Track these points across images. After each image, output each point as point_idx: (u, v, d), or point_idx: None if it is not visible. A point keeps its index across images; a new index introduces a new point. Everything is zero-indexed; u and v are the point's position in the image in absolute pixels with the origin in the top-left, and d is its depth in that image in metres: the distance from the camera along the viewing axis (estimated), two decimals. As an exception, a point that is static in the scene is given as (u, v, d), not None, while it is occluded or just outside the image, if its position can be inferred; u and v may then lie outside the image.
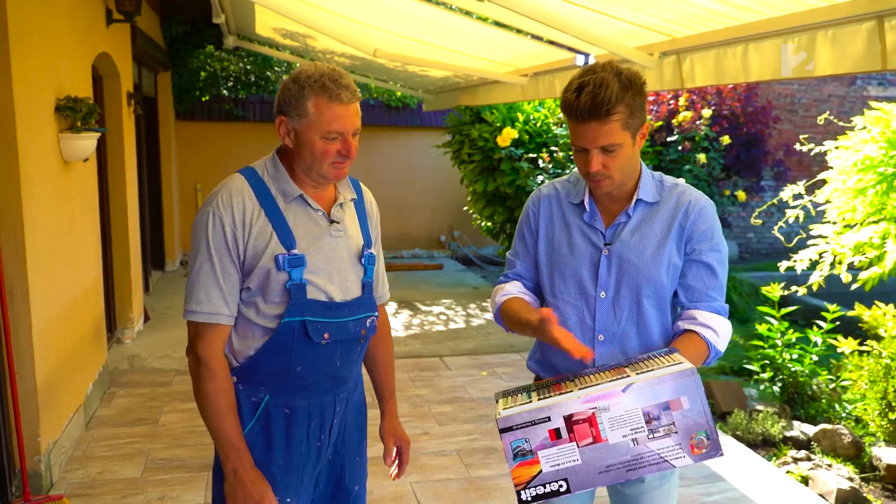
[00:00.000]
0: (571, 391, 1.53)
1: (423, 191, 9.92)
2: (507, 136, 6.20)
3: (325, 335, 1.66)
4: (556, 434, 1.48)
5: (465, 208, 7.89)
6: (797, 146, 4.14)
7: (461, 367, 5.10)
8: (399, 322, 6.34)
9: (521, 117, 6.65)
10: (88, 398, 3.94)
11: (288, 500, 1.69)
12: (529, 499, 1.48)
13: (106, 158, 5.13)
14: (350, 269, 1.73)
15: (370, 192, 1.92)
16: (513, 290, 1.88)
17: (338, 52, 7.05)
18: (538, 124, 6.63)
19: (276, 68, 9.96)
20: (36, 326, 3.06)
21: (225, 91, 9.36)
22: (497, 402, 1.62)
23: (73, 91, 3.69)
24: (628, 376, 1.51)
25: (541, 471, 1.48)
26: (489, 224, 7.38)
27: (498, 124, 6.67)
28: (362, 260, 1.75)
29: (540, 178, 6.00)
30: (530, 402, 1.54)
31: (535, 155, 6.42)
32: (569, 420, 1.48)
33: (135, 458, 3.50)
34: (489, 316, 6.65)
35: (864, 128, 3.79)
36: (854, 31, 2.40)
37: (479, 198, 7.10)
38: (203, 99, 8.93)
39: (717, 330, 1.70)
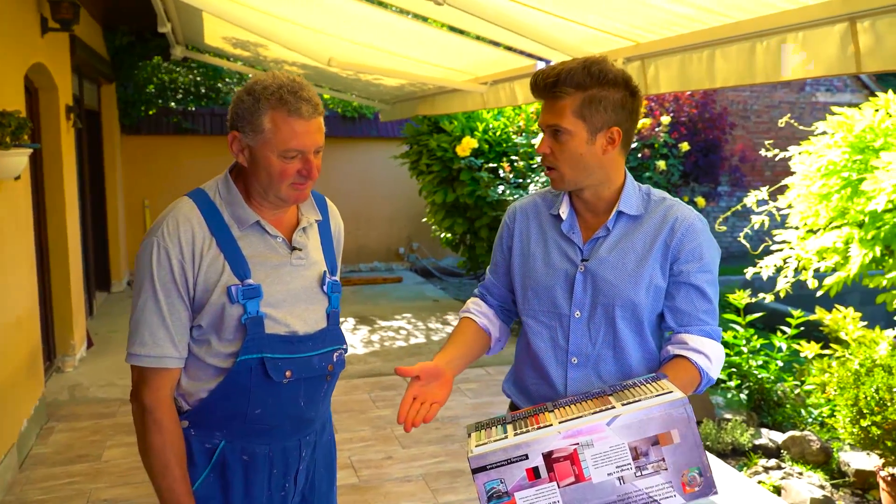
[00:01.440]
0: (551, 424, 1.38)
1: (382, 202, 9.75)
2: (467, 145, 6.08)
3: (287, 373, 1.49)
4: (534, 473, 1.33)
5: (425, 220, 7.75)
6: (762, 151, 4.10)
7: (425, 385, 4.92)
8: (357, 339, 6.14)
9: (480, 126, 6.54)
10: (23, 436, 3.65)
11: None
12: None
13: (43, 176, 4.84)
14: (313, 299, 1.56)
15: (336, 208, 1.76)
16: (471, 308, 1.81)
17: (290, 62, 6.85)
18: (497, 133, 6.53)
19: (226, 79, 9.69)
20: (-42, 362, 2.80)
21: (173, 104, 9.05)
22: (469, 436, 1.47)
23: (2, 104, 3.43)
24: (613, 407, 1.37)
25: None
26: (448, 235, 7.25)
27: (457, 134, 6.55)
28: (325, 288, 1.59)
29: (501, 188, 5.89)
30: (506, 436, 1.39)
31: (495, 165, 6.31)
32: (548, 458, 1.33)
33: (74, 501, 3.22)
34: (450, 329, 6.49)
35: (823, 132, 3.77)
36: (826, 34, 2.33)
37: (438, 209, 6.96)
38: (150, 112, 8.61)
39: (710, 356, 1.57)
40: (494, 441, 1.39)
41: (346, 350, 1.65)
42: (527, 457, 1.34)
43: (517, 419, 1.48)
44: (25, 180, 3.96)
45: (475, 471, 1.35)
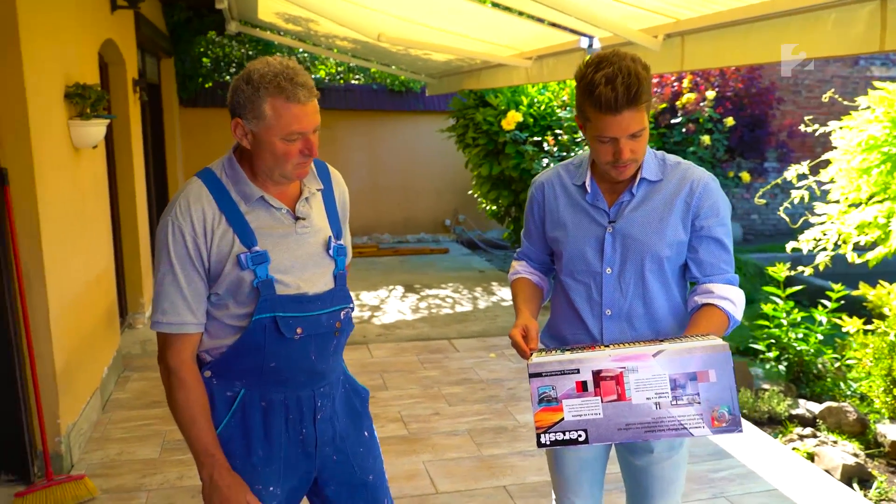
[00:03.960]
0: (604, 350, 1.58)
1: (428, 175, 9.93)
2: (512, 119, 6.21)
3: (298, 330, 1.65)
4: (582, 386, 1.53)
5: (470, 192, 7.92)
6: (801, 127, 4.15)
7: (469, 350, 5.16)
8: (406, 305, 6.39)
9: (525, 101, 6.65)
10: (104, 381, 4.01)
11: (271, 488, 1.71)
12: (548, 443, 1.53)
13: (113, 145, 5.17)
14: (321, 263, 1.72)
15: (340, 175, 1.90)
16: (521, 269, 2.03)
17: (340, 37, 7.04)
18: (542, 108, 6.64)
19: (277, 53, 9.95)
20: (53, 312, 3.11)
21: (228, 77, 9.36)
22: (531, 355, 1.67)
23: (82, 78, 3.72)
24: (662, 345, 1.56)
25: (563, 418, 1.53)
26: (493, 207, 7.41)
27: (502, 108, 6.67)
28: (330, 251, 1.74)
29: (545, 161, 6.02)
30: (562, 355, 1.60)
31: (539, 138, 6.43)
32: (597, 375, 1.53)
33: (152, 440, 3.56)
34: (496, 299, 6.70)
35: (868, 108, 3.80)
36: (855, 12, 2.41)
37: (483, 181, 7.12)
38: (206, 86, 8.94)
39: (735, 300, 1.76)
40: (553, 356, 1.60)
41: (352, 308, 1.81)
42: (578, 371, 1.54)
43: (575, 349, 1.68)
44: (101, 149, 4.28)
45: (532, 376, 1.57)
